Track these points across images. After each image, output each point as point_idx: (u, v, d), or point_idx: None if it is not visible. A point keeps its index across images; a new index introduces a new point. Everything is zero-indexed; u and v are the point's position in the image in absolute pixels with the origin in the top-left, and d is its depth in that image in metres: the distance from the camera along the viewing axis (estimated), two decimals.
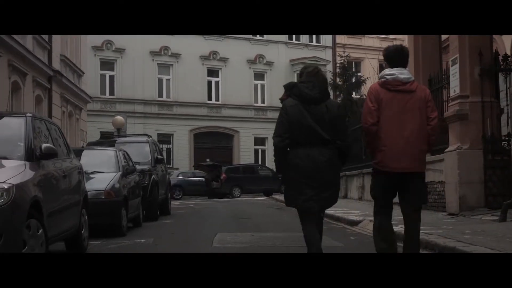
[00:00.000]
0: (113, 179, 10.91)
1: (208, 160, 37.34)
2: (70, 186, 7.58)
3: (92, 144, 16.70)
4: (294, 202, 5.81)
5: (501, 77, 12.79)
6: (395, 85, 5.73)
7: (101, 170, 11.24)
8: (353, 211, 15.04)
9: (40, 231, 6.00)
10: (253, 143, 39.47)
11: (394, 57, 5.89)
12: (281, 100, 6.04)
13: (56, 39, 21.62)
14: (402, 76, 5.74)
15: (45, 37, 20.28)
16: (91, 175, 10.85)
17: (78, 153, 11.61)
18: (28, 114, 6.87)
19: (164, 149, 37.11)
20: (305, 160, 5.64)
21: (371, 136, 5.76)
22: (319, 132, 5.67)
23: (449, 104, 13.05)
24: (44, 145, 6.54)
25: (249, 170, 34.85)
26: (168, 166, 35.10)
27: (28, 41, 18.28)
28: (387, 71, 5.81)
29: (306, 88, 5.75)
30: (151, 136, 17.84)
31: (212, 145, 38.78)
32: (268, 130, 38.55)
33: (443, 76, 13.99)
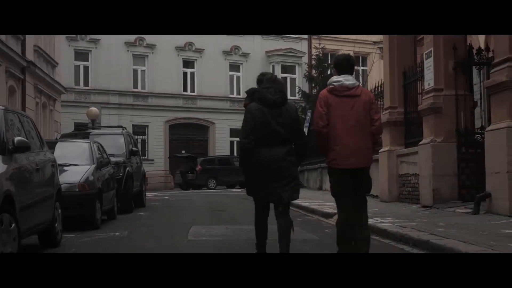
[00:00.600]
0: (87, 171, 10.82)
1: (183, 151, 37.26)
2: (43, 179, 7.50)
3: (66, 136, 16.55)
4: (256, 195, 6.43)
5: (475, 71, 12.89)
6: (342, 91, 6.31)
7: (75, 163, 11.15)
8: (328, 203, 15.06)
9: (13, 225, 5.93)
10: (228, 135, 39.43)
11: (343, 64, 6.51)
12: (245, 105, 6.65)
13: None
14: (347, 83, 6.33)
15: None
16: (65, 168, 10.76)
17: (52, 145, 11.50)
18: (0, 107, 6.77)
19: (139, 141, 36.90)
20: (267, 158, 6.20)
21: (322, 137, 6.34)
22: (280, 132, 6.25)
23: (423, 97, 13.14)
24: (16, 139, 6.46)
25: (225, 162, 34.83)
26: (143, 157, 35.04)
27: None
28: (335, 78, 6.42)
29: (269, 93, 6.26)
30: (125, 128, 17.72)
31: (188, 136, 38.67)
32: None
33: (418, 69, 14.07)
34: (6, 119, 6.64)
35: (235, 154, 38.24)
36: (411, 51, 15.53)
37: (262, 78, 6.58)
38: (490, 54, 12.01)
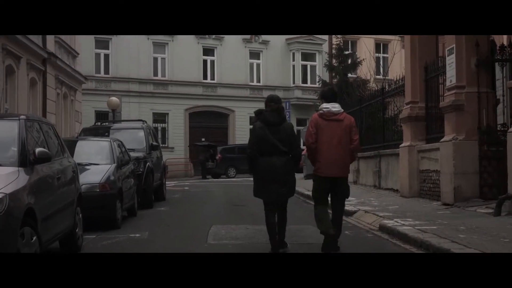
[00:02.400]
0: (108, 171, 10.86)
1: (203, 139, 37.33)
2: (64, 187, 7.52)
3: (86, 130, 16.62)
4: (259, 195, 8.10)
5: (497, 67, 12.73)
6: (329, 116, 8.01)
7: (95, 162, 11.20)
8: (350, 198, 15.03)
9: (34, 238, 5.97)
10: (248, 123, 39.29)
11: (328, 95, 8.28)
12: (253, 123, 8.44)
13: None
14: (334, 109, 8.03)
15: None
16: (86, 167, 10.82)
17: (73, 143, 11.59)
18: (21, 117, 6.78)
19: (159, 129, 37.10)
20: (268, 165, 7.83)
21: (312, 150, 8.07)
22: (278, 146, 7.85)
23: (445, 94, 13.00)
24: (38, 150, 6.48)
25: (245, 150, 34.71)
26: (164, 145, 35.19)
27: None
28: (324, 105, 8.10)
29: (270, 116, 7.94)
30: (146, 122, 17.76)
31: (208, 124, 38.69)
32: None
33: (440, 65, 13.92)
34: (27, 129, 6.66)
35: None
36: (432, 44, 15.38)
37: (268, 103, 8.12)
38: None
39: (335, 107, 8.05)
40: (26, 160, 6.34)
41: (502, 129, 12.21)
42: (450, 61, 12.68)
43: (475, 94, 12.22)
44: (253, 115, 35.48)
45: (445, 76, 13.24)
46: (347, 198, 8.42)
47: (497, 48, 12.62)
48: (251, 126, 33.80)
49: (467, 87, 12.29)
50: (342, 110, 8.18)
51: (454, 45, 12.47)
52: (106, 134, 15.59)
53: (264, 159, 7.85)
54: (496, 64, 12.59)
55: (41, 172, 6.62)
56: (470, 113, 12.25)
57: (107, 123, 18.20)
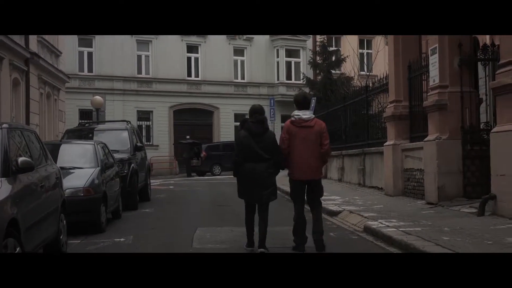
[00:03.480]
0: (91, 175, 10.79)
1: (187, 137, 37.26)
2: (48, 195, 7.46)
3: (70, 132, 16.52)
4: (244, 197, 8.66)
5: (480, 66, 12.81)
6: (300, 123, 8.56)
7: (79, 166, 11.14)
8: (333, 196, 15.09)
9: (18, 249, 5.92)
10: (233, 120, 39.35)
11: (300, 102, 8.75)
12: (238, 131, 8.91)
13: None
14: (304, 117, 8.56)
15: None
16: (70, 171, 10.76)
17: (56, 147, 11.51)
18: (3, 126, 6.71)
19: (143, 126, 37.02)
20: (252, 170, 8.41)
21: (285, 155, 8.57)
22: (261, 153, 8.42)
23: (429, 94, 13.06)
24: (20, 159, 6.42)
25: (229, 148, 34.72)
26: (148, 143, 35.11)
27: None
28: (296, 112, 8.64)
29: (254, 127, 8.50)
30: (130, 122, 17.69)
31: (192, 121, 38.62)
32: (247, 106, 37.53)
33: (423, 63, 13.97)
34: (9, 138, 6.60)
35: None
36: (416, 42, 15.42)
37: (252, 113, 8.66)
38: (495, 50, 11.92)
39: (306, 114, 8.61)
40: (8, 170, 6.27)
41: (485, 128, 12.28)
42: (433, 60, 12.73)
43: (458, 93, 12.28)
44: (238, 111, 35.68)
45: (429, 75, 13.31)
46: (321, 196, 8.84)
47: (480, 47, 12.71)
48: (236, 124, 33.47)
49: (450, 86, 12.35)
50: (313, 116, 8.75)
51: (437, 45, 12.51)
52: (90, 135, 15.53)
53: (248, 165, 8.44)
54: (479, 63, 12.68)
55: (24, 181, 6.57)
56: (453, 113, 12.31)
57: (90, 124, 18.09)
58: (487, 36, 16.13)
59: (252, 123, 8.53)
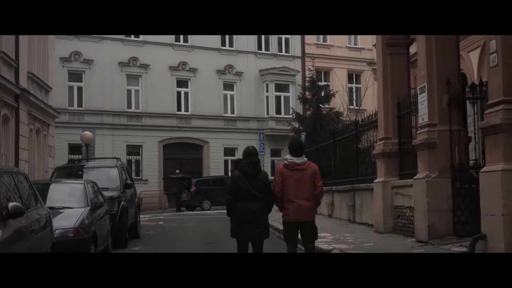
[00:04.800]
0: (81, 215, 10.75)
1: (177, 171, 37.21)
2: (38, 238, 7.43)
3: (60, 169, 16.48)
4: (236, 236, 8.87)
5: (468, 104, 12.93)
6: (292, 166, 8.85)
7: (69, 205, 11.09)
8: (323, 233, 15.03)
9: None
10: (223, 154, 39.42)
11: (294, 149, 8.97)
12: (231, 171, 9.53)
13: (23, 56, 21.34)
14: (298, 161, 8.86)
15: (12, 55, 20.01)
16: (59, 211, 10.72)
17: (46, 187, 11.48)
18: None
19: (133, 161, 36.96)
20: (245, 209, 8.66)
21: (278, 198, 8.85)
22: (254, 193, 8.69)
23: (418, 132, 13.13)
24: (11, 205, 6.40)
25: (219, 182, 34.84)
26: (138, 177, 35.04)
27: None
28: (289, 157, 8.95)
29: (248, 168, 8.81)
30: (120, 159, 17.68)
31: (182, 156, 38.62)
32: (237, 141, 38.57)
33: (412, 101, 14.08)
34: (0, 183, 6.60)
35: (229, 174, 38.25)
36: (404, 79, 15.54)
37: (245, 155, 9.00)
38: (484, 89, 12.05)
39: (299, 159, 8.91)
40: None
41: (475, 165, 12.34)
42: (422, 99, 12.83)
43: (447, 132, 12.34)
44: (227, 146, 35.87)
45: (417, 114, 13.40)
46: (316, 239, 9.11)
47: (468, 86, 12.84)
48: (225, 158, 33.56)
49: (439, 125, 12.41)
50: (306, 160, 9.00)
51: (425, 84, 12.63)
52: (80, 173, 15.51)
53: (242, 204, 8.72)
54: (467, 101, 12.79)
55: (14, 226, 6.54)
56: (442, 151, 12.36)
57: (80, 162, 18.07)
58: (475, 74, 16.31)
59: (246, 164, 8.88)
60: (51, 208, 9.36)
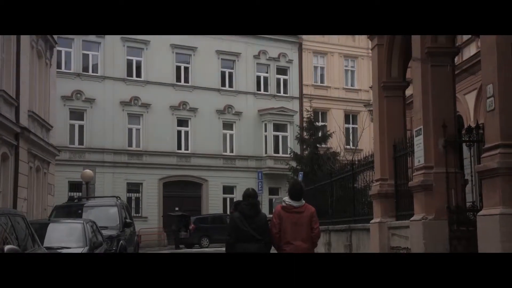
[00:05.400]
0: None
1: (176, 209, 37.28)
2: None
3: (59, 208, 16.56)
4: None
5: (465, 146, 13.04)
6: (290, 209, 8.99)
7: (67, 245, 11.14)
8: None
9: None
10: (221, 192, 39.52)
11: (294, 193, 9.09)
12: (231, 212, 9.44)
13: (24, 94, 21.54)
14: (295, 204, 8.99)
15: (13, 93, 20.20)
16: (58, 251, 10.75)
17: (44, 226, 11.55)
18: None
19: (133, 198, 37.01)
20: (244, 250, 8.71)
21: (276, 240, 8.98)
22: (253, 234, 8.83)
23: (414, 174, 13.21)
24: (7, 247, 6.46)
25: (218, 220, 34.93)
26: (137, 215, 35.07)
27: None
28: (287, 200, 9.04)
29: (247, 210, 8.97)
30: (119, 198, 17.77)
31: (181, 193, 38.70)
32: (236, 179, 38.74)
33: (408, 144, 14.20)
34: None
35: (228, 212, 38.27)
36: (400, 120, 15.70)
37: (245, 197, 9.19)
38: (480, 132, 12.18)
39: (296, 202, 9.09)
40: None
41: (472, 208, 12.41)
42: (418, 141, 12.95)
43: (443, 174, 12.42)
44: (226, 184, 36.04)
45: (414, 155, 13.51)
46: None
47: (464, 128, 12.97)
48: (224, 196, 33.68)
49: (436, 167, 12.50)
50: (304, 203, 9.16)
51: (421, 127, 12.76)
52: (79, 211, 15.59)
53: (240, 245, 8.85)
54: (464, 144, 12.91)
55: None
56: (439, 193, 12.43)
57: (80, 200, 18.14)
58: (472, 117, 16.48)
59: (245, 206, 9.08)
60: (49, 248, 9.43)
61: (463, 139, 12.69)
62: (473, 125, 13.14)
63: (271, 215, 9.55)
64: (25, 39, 21.41)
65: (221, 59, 40.06)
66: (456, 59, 14.78)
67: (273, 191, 39.87)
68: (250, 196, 9.23)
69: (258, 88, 40.97)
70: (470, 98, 18.82)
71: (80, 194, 29.10)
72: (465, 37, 19.39)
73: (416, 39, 13.20)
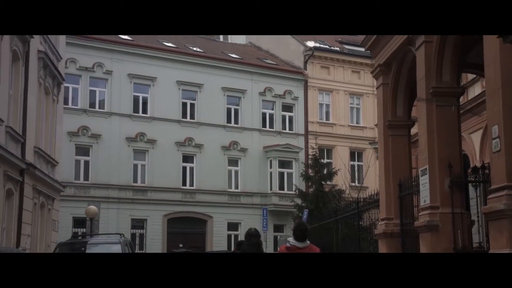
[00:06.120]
0: None
1: (181, 245, 37.02)
2: None
3: (62, 245, 16.50)
4: None
5: (471, 187, 12.99)
6: (294, 249, 8.83)
7: None
8: None
9: None
10: (226, 228, 39.31)
11: (299, 234, 8.92)
12: (234, 251, 9.93)
13: (31, 130, 21.62)
14: (300, 245, 8.84)
15: (19, 130, 20.27)
16: None
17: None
18: None
19: (137, 235, 36.84)
20: None
21: None
22: None
23: (420, 214, 13.19)
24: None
25: None
26: (141, 252, 34.86)
27: (1, 135, 18.25)
28: (291, 240, 8.92)
29: (249, 249, 9.18)
30: (123, 235, 17.70)
31: (186, 230, 38.47)
32: (241, 216, 38.60)
33: (414, 183, 14.17)
34: None
35: (232, 249, 38.05)
36: (406, 159, 15.71)
37: (247, 236, 9.50)
38: (486, 172, 12.14)
39: (301, 243, 8.99)
40: None
41: (478, 249, 12.32)
42: (424, 181, 12.94)
43: (449, 214, 12.39)
44: (231, 220, 36.10)
45: (419, 195, 13.47)
46: None
47: (470, 168, 12.95)
48: (229, 233, 33.63)
49: (441, 207, 12.47)
50: (308, 244, 9.01)
51: (427, 166, 12.75)
52: (83, 249, 15.51)
53: None
54: (470, 184, 12.86)
55: None
56: (445, 233, 12.38)
57: (83, 237, 18.07)
58: (478, 157, 16.44)
59: (248, 246, 9.27)
60: None
61: (469, 179, 12.66)
62: (479, 164, 13.12)
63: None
64: (33, 75, 21.57)
65: (227, 95, 40.22)
66: (461, 98, 14.81)
67: (278, 228, 39.68)
68: (252, 235, 9.39)
69: (264, 125, 41.05)
70: (476, 137, 18.81)
71: (85, 230, 28.98)
72: (470, 77, 19.46)
73: (421, 79, 13.26)
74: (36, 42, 22.19)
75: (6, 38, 18.32)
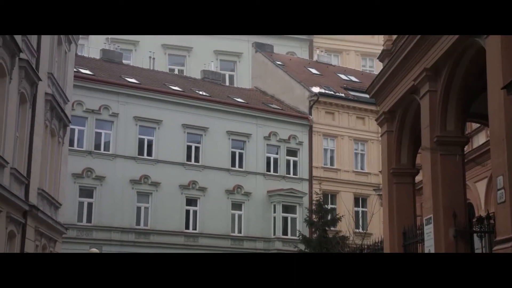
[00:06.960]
0: None
1: None
2: None
3: None
4: None
5: (476, 237, 12.93)
6: None
7: None
8: None
9: None
10: None
11: None
12: None
13: (35, 172, 21.63)
14: None
15: (24, 171, 20.29)
16: None
17: None
18: None
19: None
20: None
21: None
22: None
23: None
24: None
25: None
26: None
27: (5, 176, 18.26)
28: None
29: None
30: None
31: None
32: None
33: (418, 232, 14.11)
34: None
35: None
36: (410, 207, 15.66)
37: None
38: (491, 222, 12.09)
39: None
40: None
41: None
42: (428, 230, 12.88)
43: None
44: None
45: (424, 243, 13.40)
46: None
47: (475, 218, 12.90)
48: None
49: None
50: None
51: (431, 215, 12.71)
52: None
53: None
54: (475, 234, 12.80)
55: None
56: None
57: None
58: (482, 207, 16.39)
59: None
60: None
61: (474, 229, 12.61)
62: (484, 214, 13.09)
63: None
64: (39, 117, 21.71)
65: (232, 139, 40.31)
66: (466, 147, 14.83)
67: None
68: None
69: (268, 169, 41.05)
70: (481, 186, 18.77)
71: None
72: (475, 125, 19.51)
73: (425, 128, 13.30)
74: (44, 85, 22.38)
75: (15, 80, 18.49)
